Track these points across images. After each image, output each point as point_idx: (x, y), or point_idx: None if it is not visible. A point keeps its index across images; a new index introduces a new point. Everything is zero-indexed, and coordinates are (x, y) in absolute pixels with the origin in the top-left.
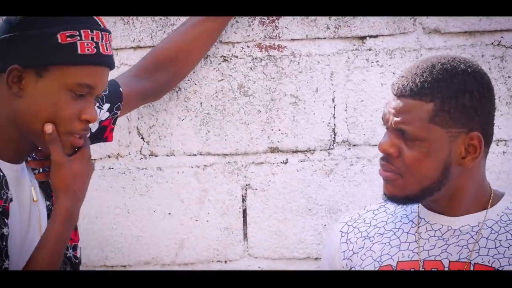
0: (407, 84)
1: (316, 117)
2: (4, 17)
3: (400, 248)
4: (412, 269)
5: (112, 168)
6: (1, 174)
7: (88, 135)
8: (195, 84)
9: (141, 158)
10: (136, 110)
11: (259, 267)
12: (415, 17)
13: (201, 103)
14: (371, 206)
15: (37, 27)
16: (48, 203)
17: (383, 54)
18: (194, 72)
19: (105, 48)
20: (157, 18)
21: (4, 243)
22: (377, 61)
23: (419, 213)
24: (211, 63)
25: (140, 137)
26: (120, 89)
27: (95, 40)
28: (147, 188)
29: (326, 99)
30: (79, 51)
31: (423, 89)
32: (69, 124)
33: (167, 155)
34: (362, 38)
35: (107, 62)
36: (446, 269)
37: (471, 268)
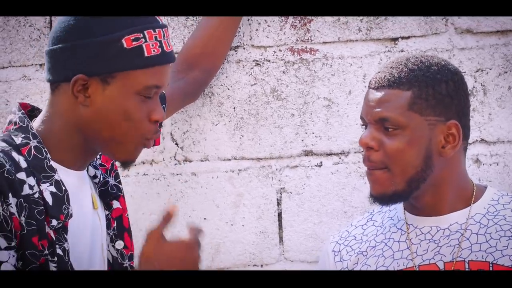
0: (384, 76)
1: (349, 120)
2: (57, 26)
3: (394, 258)
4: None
5: (147, 174)
6: (64, 188)
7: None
8: (228, 89)
9: (176, 163)
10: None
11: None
12: (447, 17)
13: (234, 108)
14: (358, 221)
15: (98, 34)
16: (107, 212)
17: None
18: (226, 77)
19: (167, 45)
20: (188, 24)
21: (67, 258)
22: None
23: (406, 220)
24: (243, 67)
25: (174, 142)
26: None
27: (158, 39)
28: (182, 193)
29: (359, 101)
30: (145, 54)
31: (400, 79)
32: (140, 127)
33: (201, 160)
34: (394, 39)
35: (171, 59)
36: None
37: (466, 266)
